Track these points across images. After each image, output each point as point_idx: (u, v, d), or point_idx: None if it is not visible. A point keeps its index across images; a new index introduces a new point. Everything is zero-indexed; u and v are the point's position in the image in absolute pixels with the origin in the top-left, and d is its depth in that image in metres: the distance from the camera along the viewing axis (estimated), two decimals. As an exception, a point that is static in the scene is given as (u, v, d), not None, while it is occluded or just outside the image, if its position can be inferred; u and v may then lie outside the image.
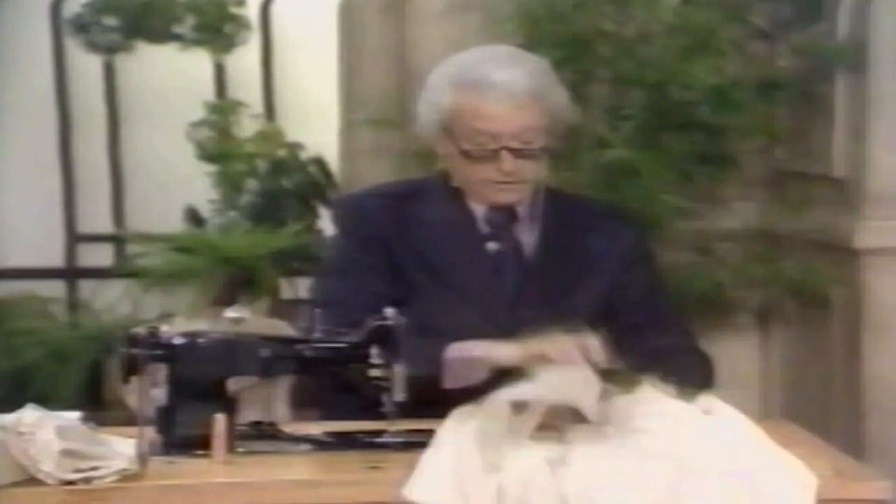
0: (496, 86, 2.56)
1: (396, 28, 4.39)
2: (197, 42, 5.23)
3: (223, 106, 5.16)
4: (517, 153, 2.58)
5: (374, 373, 2.26)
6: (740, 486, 1.98)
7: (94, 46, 5.29)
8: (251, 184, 5.01)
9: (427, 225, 2.66)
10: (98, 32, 5.25)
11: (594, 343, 2.41)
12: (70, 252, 5.58)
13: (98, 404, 4.52)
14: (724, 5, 3.96)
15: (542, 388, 2.10)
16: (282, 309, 4.30)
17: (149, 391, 2.18)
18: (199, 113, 5.06)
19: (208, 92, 5.39)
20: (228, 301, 4.25)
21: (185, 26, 5.21)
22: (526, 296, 2.63)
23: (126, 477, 2.00)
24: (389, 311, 2.27)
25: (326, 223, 4.74)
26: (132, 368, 2.19)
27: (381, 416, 2.25)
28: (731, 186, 4.18)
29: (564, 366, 2.28)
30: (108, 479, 1.99)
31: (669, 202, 3.84)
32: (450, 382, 2.47)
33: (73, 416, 2.15)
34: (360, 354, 2.27)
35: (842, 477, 2.08)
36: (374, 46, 4.45)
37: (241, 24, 5.28)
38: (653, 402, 2.14)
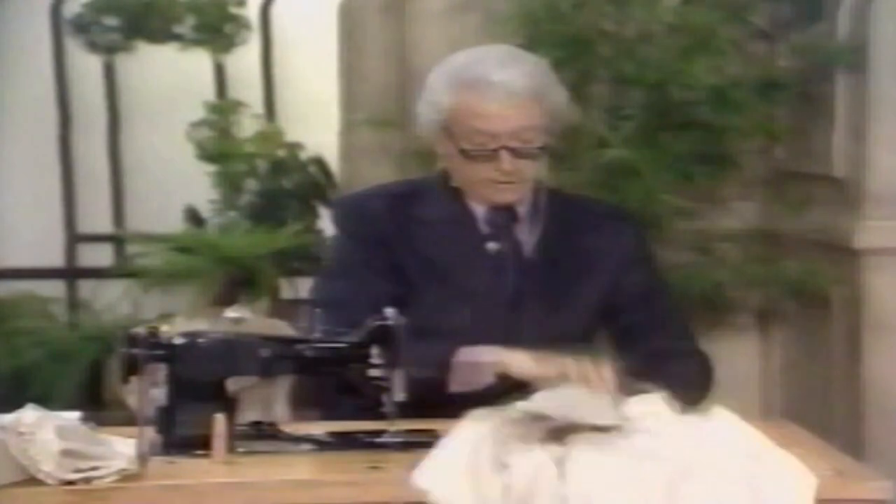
0: (495, 85, 2.56)
1: (396, 28, 4.40)
2: (197, 42, 5.23)
3: (223, 106, 5.17)
4: (516, 152, 2.58)
5: (374, 373, 2.26)
6: (740, 486, 1.98)
7: (94, 46, 5.30)
8: (251, 184, 5.01)
9: (428, 225, 2.66)
10: (98, 32, 5.25)
11: (606, 370, 2.41)
12: (70, 252, 5.58)
13: (98, 404, 4.52)
14: (724, 5, 3.96)
15: (564, 405, 2.09)
16: (282, 309, 4.30)
17: (149, 391, 2.18)
18: (199, 113, 5.06)
19: (208, 92, 5.39)
20: (228, 301, 4.26)
21: (185, 26, 5.22)
22: (526, 296, 2.63)
23: (126, 477, 2.00)
24: (389, 311, 2.27)
25: (326, 223, 4.74)
26: (132, 368, 2.18)
27: (381, 416, 2.25)
28: (731, 186, 4.18)
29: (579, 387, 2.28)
30: (108, 479, 1.99)
31: (669, 202, 3.84)
32: (456, 386, 2.47)
33: (73, 416, 2.15)
34: (360, 354, 2.26)
35: (842, 477, 2.08)
36: (374, 46, 4.45)
37: (241, 24, 5.29)
38: (652, 402, 2.14)
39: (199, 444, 2.14)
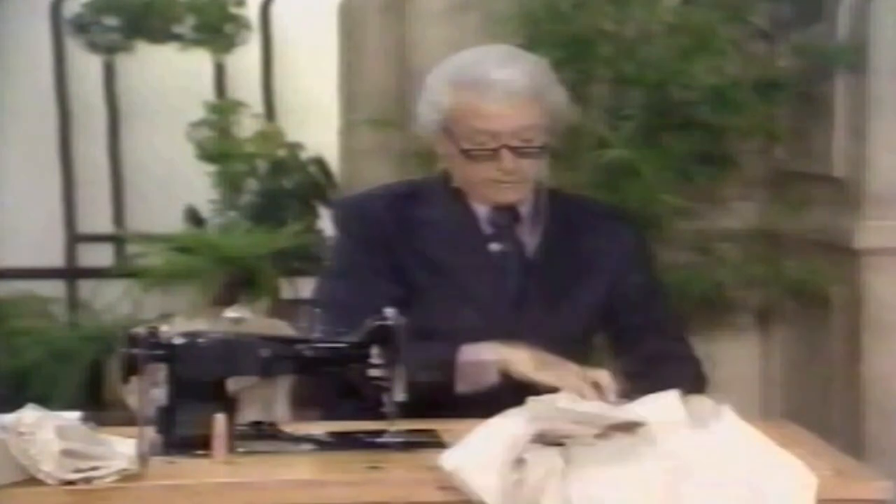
0: (495, 84, 2.56)
1: (396, 28, 4.40)
2: (197, 42, 5.24)
3: (223, 106, 5.17)
4: (517, 151, 2.57)
5: (374, 373, 2.26)
6: (740, 486, 1.98)
7: (94, 46, 5.30)
8: (251, 184, 5.02)
9: (429, 226, 2.66)
10: (98, 32, 5.26)
11: (606, 379, 2.41)
12: (70, 252, 5.58)
13: (98, 404, 4.52)
14: (724, 5, 3.96)
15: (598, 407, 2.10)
16: (282, 309, 4.30)
17: (149, 391, 2.18)
18: (199, 113, 5.06)
19: (208, 92, 5.39)
20: (228, 301, 4.26)
21: (185, 26, 5.22)
22: (528, 297, 2.63)
23: (126, 477, 2.00)
24: (389, 311, 2.27)
25: (326, 223, 4.75)
26: (132, 368, 2.18)
27: (381, 416, 2.25)
28: (731, 186, 4.18)
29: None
30: (108, 479, 1.99)
31: (669, 202, 3.84)
32: (462, 387, 2.48)
33: (73, 416, 2.15)
34: (360, 354, 2.26)
35: (842, 477, 2.08)
36: (374, 46, 4.45)
37: (241, 24, 5.29)
38: (652, 402, 2.14)
39: (199, 444, 2.14)
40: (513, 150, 2.57)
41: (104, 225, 5.54)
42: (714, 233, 4.09)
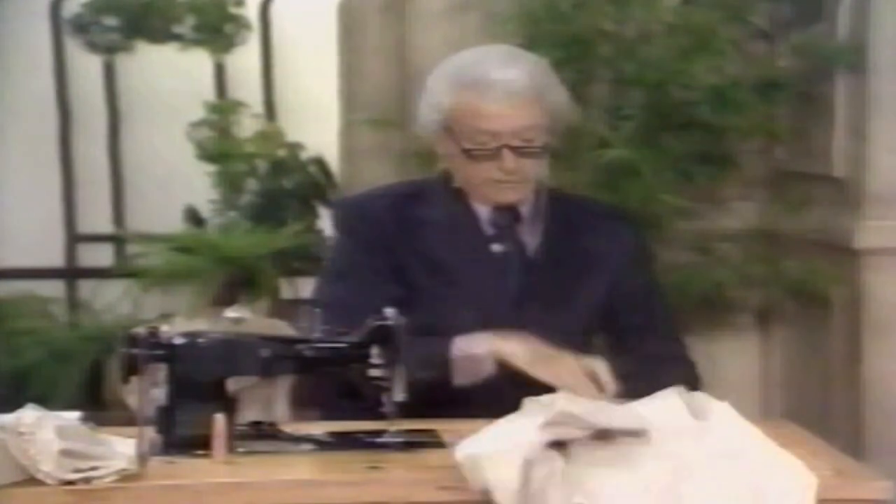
0: (496, 84, 2.56)
1: (396, 28, 4.39)
2: (197, 42, 5.23)
3: (223, 106, 5.17)
4: (518, 151, 2.58)
5: (374, 373, 2.26)
6: (740, 486, 1.98)
7: (94, 46, 5.30)
8: (251, 184, 5.02)
9: (431, 226, 2.66)
10: (98, 32, 5.26)
11: (602, 368, 2.41)
12: (70, 252, 5.58)
13: (98, 404, 4.52)
14: (724, 5, 3.96)
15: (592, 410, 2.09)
16: (282, 309, 4.30)
17: (149, 391, 2.18)
18: (199, 113, 5.06)
19: (208, 92, 5.39)
20: (228, 301, 4.26)
21: (185, 26, 5.22)
22: (530, 297, 2.63)
23: (126, 477, 2.00)
24: (389, 311, 2.27)
25: (326, 223, 4.75)
26: (132, 368, 2.18)
27: (381, 416, 2.25)
28: (731, 186, 4.18)
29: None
30: (108, 479, 1.99)
31: (669, 202, 3.84)
32: (459, 380, 2.48)
33: (73, 416, 2.15)
34: (360, 354, 2.26)
35: (842, 477, 2.08)
36: (374, 46, 4.45)
37: (241, 24, 5.29)
38: (652, 403, 2.14)
39: (199, 444, 2.14)
40: (514, 149, 2.57)
41: (104, 225, 5.53)
42: (714, 233, 4.09)
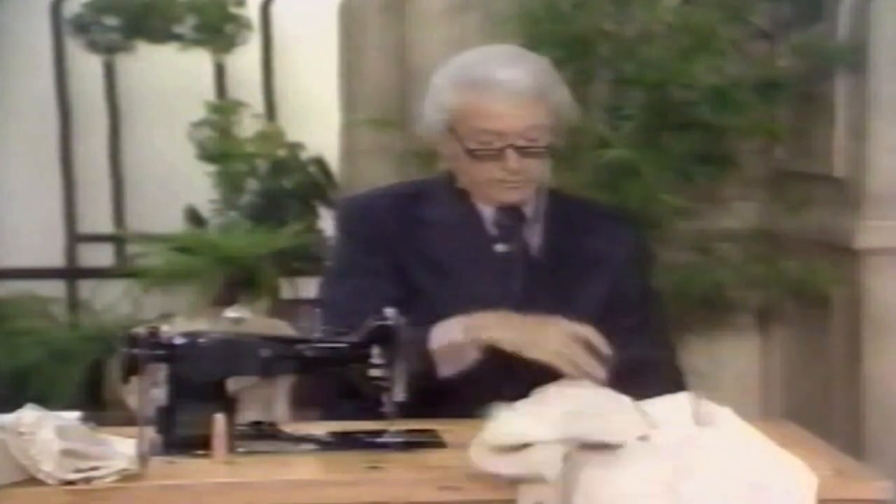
0: (500, 84, 2.56)
1: (396, 28, 4.40)
2: (197, 42, 5.24)
3: (223, 106, 5.17)
4: (523, 151, 2.57)
5: (374, 373, 2.26)
6: (741, 486, 1.98)
7: (94, 46, 5.30)
8: (251, 184, 5.02)
9: (433, 226, 2.65)
10: (98, 32, 5.26)
11: (592, 333, 2.41)
12: (70, 252, 5.58)
13: (98, 404, 4.52)
14: (724, 5, 3.96)
15: (587, 413, 2.09)
16: (282, 309, 4.30)
17: (149, 391, 2.18)
18: (199, 113, 5.06)
19: (208, 92, 5.39)
20: (228, 301, 4.26)
21: (185, 26, 5.22)
22: (533, 297, 2.61)
23: (126, 477, 2.00)
24: (389, 311, 2.27)
25: (326, 223, 4.75)
26: (132, 368, 2.18)
27: (381, 416, 2.25)
28: (731, 186, 4.18)
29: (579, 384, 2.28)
30: (108, 479, 1.99)
31: (669, 202, 3.84)
32: (445, 370, 2.46)
33: (73, 416, 2.15)
34: (360, 354, 2.26)
35: (842, 477, 2.08)
36: (374, 46, 4.46)
37: (241, 24, 5.29)
38: (652, 403, 2.14)
39: (199, 444, 2.14)
40: (518, 149, 2.57)
41: (104, 225, 5.54)
42: (714, 233, 4.09)
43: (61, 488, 1.97)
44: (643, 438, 2.02)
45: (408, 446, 2.20)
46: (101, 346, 4.80)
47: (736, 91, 3.89)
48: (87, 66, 5.47)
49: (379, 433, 2.24)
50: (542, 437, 1.98)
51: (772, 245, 4.17)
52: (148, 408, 2.18)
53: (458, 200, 2.66)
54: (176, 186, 5.21)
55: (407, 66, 4.30)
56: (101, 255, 5.52)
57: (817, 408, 3.96)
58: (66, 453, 1.97)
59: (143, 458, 2.05)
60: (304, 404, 2.69)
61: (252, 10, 5.39)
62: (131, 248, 5.21)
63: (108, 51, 5.33)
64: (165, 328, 2.23)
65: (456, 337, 2.46)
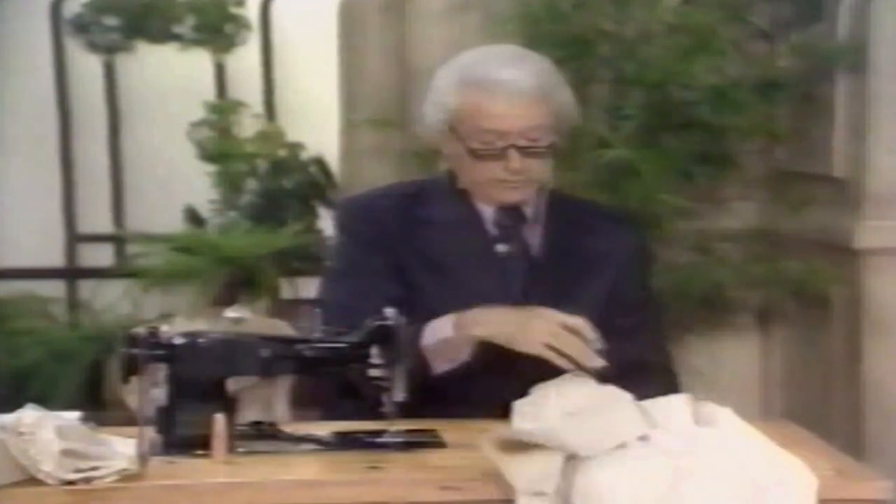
0: (502, 84, 2.56)
1: (396, 28, 4.40)
2: (197, 42, 5.24)
3: (223, 106, 5.17)
4: (525, 151, 2.57)
5: (374, 373, 2.26)
6: (741, 486, 1.98)
7: (94, 46, 5.30)
8: (251, 184, 5.02)
9: (434, 226, 2.65)
10: (98, 32, 5.26)
11: (581, 323, 2.40)
12: (70, 252, 5.58)
13: (98, 404, 4.52)
14: (724, 5, 3.97)
15: (584, 414, 2.09)
16: (282, 309, 4.30)
17: (149, 391, 2.18)
18: (199, 113, 5.06)
19: (208, 92, 5.39)
20: (228, 301, 4.26)
21: (185, 26, 5.22)
22: (534, 298, 2.61)
23: (126, 477, 2.00)
24: (389, 311, 2.27)
25: (326, 223, 4.75)
26: (132, 368, 2.18)
27: (381, 416, 2.25)
28: (731, 186, 4.18)
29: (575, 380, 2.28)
30: (108, 479, 1.99)
31: (669, 202, 3.84)
32: (438, 367, 2.46)
33: (73, 416, 2.15)
34: (360, 354, 2.26)
35: (842, 477, 2.08)
36: (374, 46, 4.46)
37: (241, 24, 5.29)
38: (652, 404, 2.14)
39: (199, 444, 2.14)
40: (520, 149, 2.57)
41: (104, 225, 5.53)
42: (714, 233, 4.09)
43: (61, 488, 1.97)
44: (643, 438, 2.02)
45: (408, 446, 2.20)
46: (101, 346, 4.79)
47: (736, 91, 3.89)
48: (86, 66, 5.47)
49: (379, 433, 2.24)
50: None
51: (772, 245, 4.17)
52: (148, 408, 2.18)
53: (458, 200, 2.66)
54: (176, 186, 5.21)
55: (407, 66, 4.30)
56: (100, 255, 5.52)
57: (817, 408, 3.96)
58: (66, 453, 1.97)
59: (143, 458, 2.05)
60: (304, 404, 2.69)
61: (252, 10, 5.39)
62: (131, 248, 5.20)
63: (108, 51, 5.33)
64: (165, 328, 2.23)
65: (447, 333, 2.46)
